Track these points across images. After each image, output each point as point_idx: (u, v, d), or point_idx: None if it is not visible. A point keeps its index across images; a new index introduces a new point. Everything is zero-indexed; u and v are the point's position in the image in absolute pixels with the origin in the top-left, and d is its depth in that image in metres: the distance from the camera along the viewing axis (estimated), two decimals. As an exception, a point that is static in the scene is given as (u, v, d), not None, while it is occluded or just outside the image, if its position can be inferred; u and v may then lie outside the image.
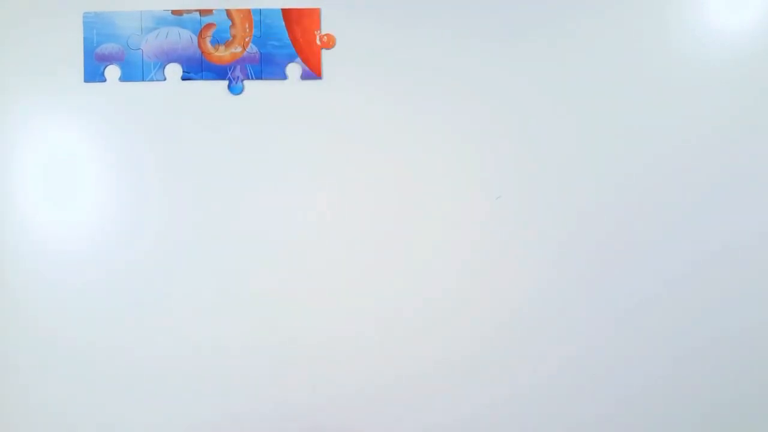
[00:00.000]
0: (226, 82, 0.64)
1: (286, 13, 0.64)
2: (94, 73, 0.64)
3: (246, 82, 0.63)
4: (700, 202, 0.64)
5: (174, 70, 0.64)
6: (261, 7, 0.64)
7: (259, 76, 0.64)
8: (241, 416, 0.63)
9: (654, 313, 0.64)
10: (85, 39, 0.63)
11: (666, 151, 0.64)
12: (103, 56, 0.64)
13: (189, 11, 0.64)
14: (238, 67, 0.64)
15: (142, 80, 0.64)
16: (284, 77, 0.64)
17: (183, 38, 0.64)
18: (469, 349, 0.64)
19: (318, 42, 0.64)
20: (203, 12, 0.64)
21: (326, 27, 0.64)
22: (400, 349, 0.63)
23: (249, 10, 0.64)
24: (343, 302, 0.63)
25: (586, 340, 0.64)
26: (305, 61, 0.64)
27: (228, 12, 0.64)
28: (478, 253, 0.64)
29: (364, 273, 0.63)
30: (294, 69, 0.63)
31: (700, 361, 0.64)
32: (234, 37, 0.64)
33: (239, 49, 0.64)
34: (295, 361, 0.63)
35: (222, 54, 0.64)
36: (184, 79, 0.64)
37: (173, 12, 0.64)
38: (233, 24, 0.64)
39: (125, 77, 0.64)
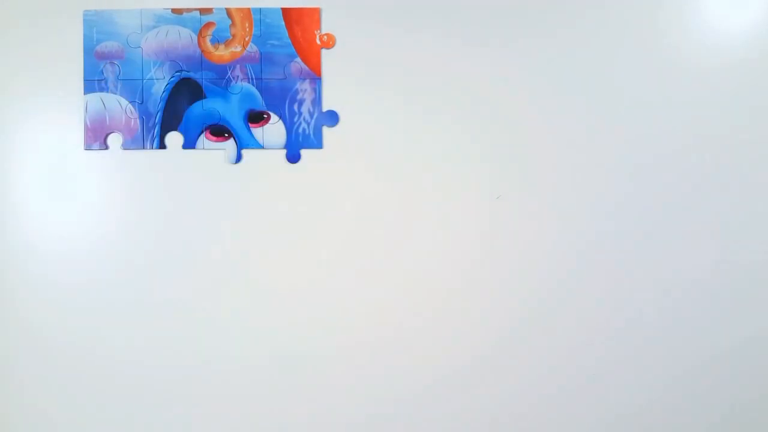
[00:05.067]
0: (225, 80, 0.64)
1: (286, 12, 0.64)
2: (93, 70, 0.64)
3: (244, 84, 0.63)
4: (700, 204, 0.64)
5: (174, 69, 0.64)
6: (261, 6, 0.64)
7: (258, 76, 0.64)
8: (243, 421, 0.64)
9: (655, 313, 0.64)
10: (84, 37, 0.63)
11: (666, 152, 0.64)
12: (103, 54, 0.63)
13: (189, 10, 0.64)
14: (238, 66, 0.64)
15: (142, 78, 0.64)
16: (283, 77, 0.64)
17: (183, 37, 0.64)
18: (469, 351, 0.64)
19: (318, 42, 0.64)
20: (203, 11, 0.64)
21: (326, 27, 0.64)
22: (401, 350, 0.64)
23: (249, 9, 0.64)
24: (344, 305, 0.64)
25: (587, 341, 0.64)
26: (305, 60, 0.64)
27: (228, 11, 0.64)
28: (478, 253, 0.64)
29: (360, 275, 0.64)
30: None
31: (705, 362, 0.64)
32: (234, 36, 0.64)
33: (239, 48, 0.64)
34: (298, 369, 0.64)
35: (222, 53, 0.64)
36: (183, 77, 0.64)
37: (173, 10, 0.64)
38: (233, 23, 0.64)
39: (125, 75, 0.64)
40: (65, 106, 0.63)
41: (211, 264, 0.63)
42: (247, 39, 0.64)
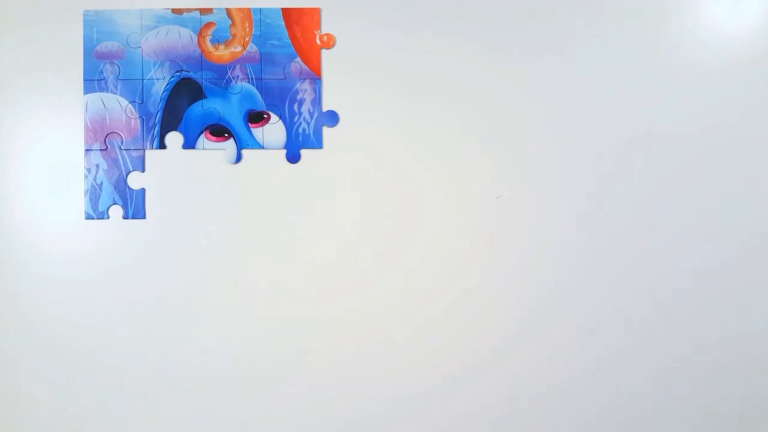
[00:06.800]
0: (225, 80, 0.64)
1: (286, 12, 0.64)
2: (93, 70, 0.64)
3: (244, 84, 0.63)
4: (700, 203, 0.64)
5: (174, 69, 0.64)
6: (261, 6, 0.64)
7: (258, 76, 0.64)
8: (248, 422, 0.64)
9: (657, 312, 0.64)
10: (85, 37, 0.63)
11: (667, 152, 0.64)
12: (103, 54, 0.64)
13: (189, 10, 0.64)
14: (238, 66, 0.64)
15: (142, 78, 0.64)
16: (283, 77, 0.64)
17: (183, 37, 0.64)
18: (469, 351, 0.64)
19: (318, 42, 0.64)
20: (203, 11, 0.64)
21: (326, 27, 0.64)
22: (401, 350, 0.64)
23: (249, 9, 0.64)
24: (344, 305, 0.64)
25: (588, 340, 0.64)
26: (305, 60, 0.64)
27: (228, 11, 0.64)
28: (478, 253, 0.64)
29: (361, 275, 0.64)
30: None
31: (707, 359, 0.65)
32: (234, 36, 0.64)
33: (239, 48, 0.64)
34: (297, 368, 0.64)
35: (222, 53, 0.64)
36: (183, 77, 0.64)
37: (173, 10, 0.64)
38: (233, 23, 0.64)
39: (125, 75, 0.64)
40: (65, 106, 0.63)
41: (210, 263, 0.63)
42: (247, 39, 0.64)
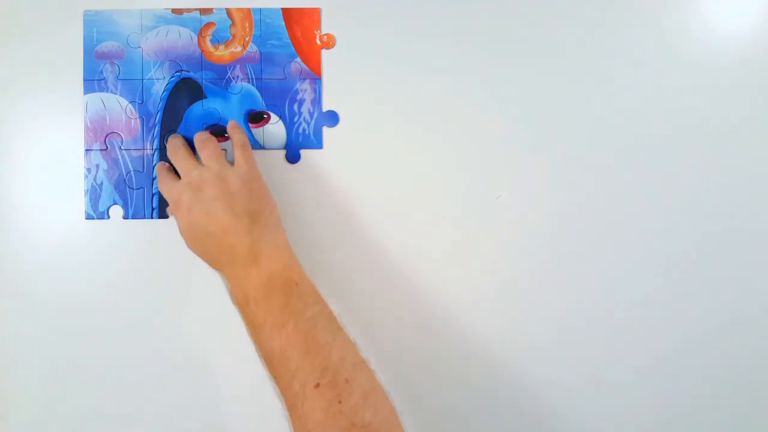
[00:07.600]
0: (225, 80, 0.64)
1: (286, 12, 0.64)
2: (93, 70, 0.64)
3: (244, 84, 0.63)
4: (700, 203, 0.64)
5: (174, 69, 0.64)
6: (261, 6, 0.64)
7: (258, 76, 0.64)
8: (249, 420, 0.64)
9: (655, 311, 0.64)
10: (84, 37, 0.63)
11: (666, 151, 0.64)
12: (103, 54, 0.64)
13: (189, 10, 0.64)
14: (238, 66, 0.64)
15: (142, 78, 0.64)
16: (283, 77, 0.64)
17: (183, 37, 0.64)
18: (468, 351, 0.64)
19: (318, 42, 0.64)
20: (203, 11, 0.64)
21: (326, 27, 0.64)
22: (398, 351, 0.64)
23: (249, 9, 0.64)
24: (343, 306, 0.64)
25: (586, 340, 0.64)
26: (305, 60, 0.64)
27: (228, 11, 0.64)
28: (477, 254, 0.64)
29: (360, 275, 0.64)
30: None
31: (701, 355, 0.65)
32: (234, 36, 0.64)
33: (239, 48, 0.64)
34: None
35: (222, 53, 0.64)
36: (183, 77, 0.64)
37: (173, 10, 0.64)
38: (233, 23, 0.64)
39: (125, 75, 0.64)
40: (65, 106, 0.63)
41: (211, 264, 0.64)
42: (247, 39, 0.64)
